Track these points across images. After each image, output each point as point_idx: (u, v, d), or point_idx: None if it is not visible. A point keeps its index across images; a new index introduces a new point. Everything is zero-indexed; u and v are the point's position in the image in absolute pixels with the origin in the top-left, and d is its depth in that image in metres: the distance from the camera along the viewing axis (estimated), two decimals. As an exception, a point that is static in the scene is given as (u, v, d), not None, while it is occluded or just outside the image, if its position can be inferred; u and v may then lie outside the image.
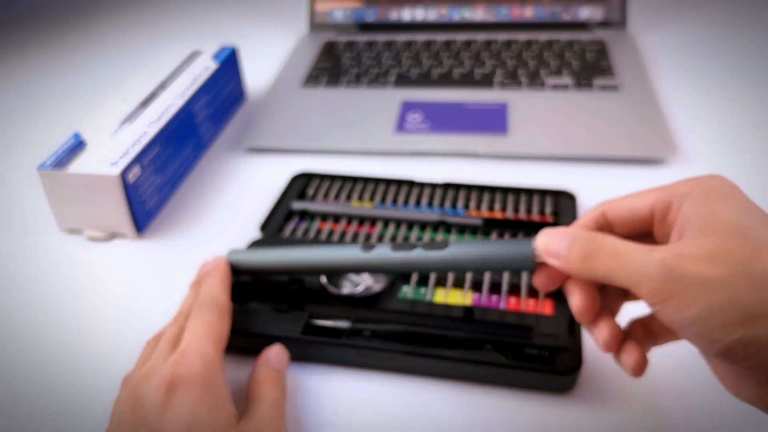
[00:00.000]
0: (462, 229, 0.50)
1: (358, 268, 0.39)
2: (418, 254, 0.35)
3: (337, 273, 0.39)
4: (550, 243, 0.30)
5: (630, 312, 0.34)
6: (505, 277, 0.44)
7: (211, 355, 0.35)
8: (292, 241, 0.43)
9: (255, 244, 0.48)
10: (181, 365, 0.33)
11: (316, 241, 0.49)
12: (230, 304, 0.40)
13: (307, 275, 0.42)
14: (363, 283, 0.45)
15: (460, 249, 0.34)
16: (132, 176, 0.51)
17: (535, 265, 0.32)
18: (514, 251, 0.32)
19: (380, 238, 0.50)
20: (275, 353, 0.39)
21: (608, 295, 0.33)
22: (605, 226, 0.32)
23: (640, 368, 0.30)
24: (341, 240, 0.50)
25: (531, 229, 0.49)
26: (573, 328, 0.40)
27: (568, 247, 0.29)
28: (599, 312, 0.31)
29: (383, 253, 0.37)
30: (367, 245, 0.37)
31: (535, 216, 0.50)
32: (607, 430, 0.37)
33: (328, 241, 0.50)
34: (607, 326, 0.30)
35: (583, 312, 0.30)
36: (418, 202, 0.53)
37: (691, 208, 0.28)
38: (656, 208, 0.30)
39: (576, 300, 0.31)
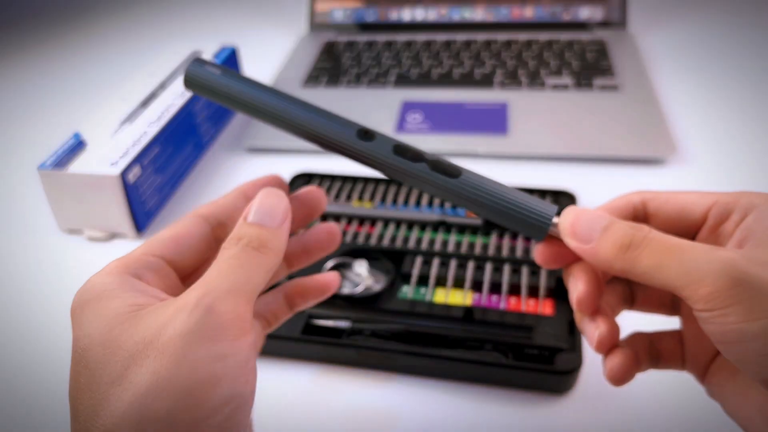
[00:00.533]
0: (462, 229, 0.50)
1: (347, 153, 0.31)
2: (419, 170, 0.29)
3: (321, 145, 0.31)
4: (578, 224, 0.26)
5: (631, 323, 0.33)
6: (505, 277, 0.44)
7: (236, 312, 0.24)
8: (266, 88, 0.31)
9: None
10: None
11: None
12: (284, 249, 0.27)
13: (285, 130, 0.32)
14: (363, 283, 0.45)
15: (469, 184, 0.29)
16: (132, 176, 0.51)
17: (544, 236, 0.28)
18: (529, 213, 0.28)
19: (380, 239, 0.50)
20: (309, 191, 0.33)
21: (609, 296, 0.30)
22: (642, 217, 0.29)
23: (624, 378, 0.28)
24: (342, 240, 0.50)
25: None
26: (573, 329, 0.40)
27: (602, 233, 0.25)
28: (598, 308, 0.28)
29: (381, 150, 0.29)
30: (367, 134, 0.30)
31: (535, 216, 0.50)
32: (606, 430, 0.37)
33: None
34: (605, 323, 0.28)
35: (586, 301, 0.27)
36: (418, 202, 0.53)
37: (759, 221, 0.25)
38: (713, 214, 0.27)
39: (581, 287, 0.27)
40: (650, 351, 0.30)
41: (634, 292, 0.31)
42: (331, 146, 0.30)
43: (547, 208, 0.28)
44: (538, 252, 0.29)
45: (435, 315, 0.43)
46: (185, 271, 0.29)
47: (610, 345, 0.28)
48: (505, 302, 0.43)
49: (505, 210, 0.28)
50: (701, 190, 0.28)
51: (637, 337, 0.30)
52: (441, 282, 0.45)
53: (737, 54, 0.76)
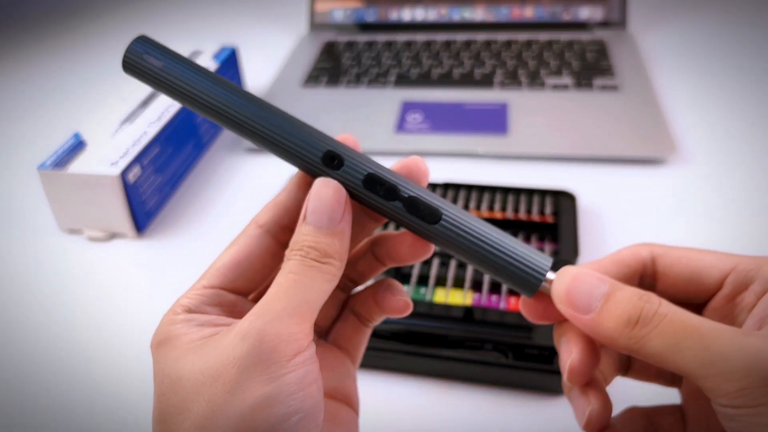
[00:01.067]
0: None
1: (311, 173, 0.26)
2: (392, 210, 0.25)
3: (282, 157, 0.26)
4: (575, 291, 0.23)
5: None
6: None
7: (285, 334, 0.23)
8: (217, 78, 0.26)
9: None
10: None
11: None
12: (347, 252, 0.25)
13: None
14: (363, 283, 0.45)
15: (451, 229, 0.25)
16: (132, 176, 0.51)
17: (534, 294, 0.25)
18: (519, 267, 0.24)
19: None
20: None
21: (602, 362, 0.26)
22: (650, 274, 0.25)
23: None
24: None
25: (531, 229, 0.49)
26: (573, 328, 0.40)
27: (603, 303, 0.22)
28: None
29: (350, 180, 0.25)
30: (334, 159, 0.25)
31: (535, 216, 0.50)
32: (607, 430, 0.37)
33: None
34: (598, 398, 0.24)
35: (580, 371, 0.24)
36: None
37: None
38: (731, 281, 0.24)
39: (575, 354, 0.24)
40: (647, 430, 0.26)
41: (630, 358, 0.28)
42: (294, 162, 0.26)
43: (539, 261, 0.24)
44: (526, 308, 0.26)
45: (435, 315, 0.43)
46: (254, 289, 0.28)
47: (602, 425, 0.24)
48: (505, 302, 0.43)
49: (490, 260, 0.24)
50: (719, 251, 0.25)
51: (634, 414, 0.27)
52: (441, 282, 0.45)
53: (737, 54, 0.76)
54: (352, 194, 0.25)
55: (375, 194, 0.25)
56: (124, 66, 0.25)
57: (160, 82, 0.25)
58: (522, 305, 0.26)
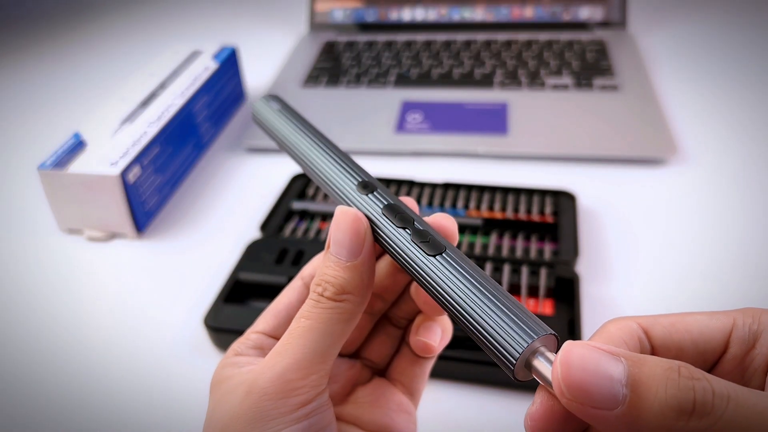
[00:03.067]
0: (462, 229, 0.50)
1: (341, 199, 0.28)
2: (399, 237, 0.25)
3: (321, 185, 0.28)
4: (584, 378, 0.17)
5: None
6: (505, 277, 0.44)
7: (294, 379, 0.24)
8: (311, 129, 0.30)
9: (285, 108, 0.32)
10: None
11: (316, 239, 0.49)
12: (368, 288, 0.25)
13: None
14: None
15: (445, 269, 0.23)
16: (132, 176, 0.52)
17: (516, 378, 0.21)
18: (502, 341, 0.21)
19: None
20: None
21: None
22: (648, 351, 0.21)
23: None
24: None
25: (531, 229, 0.49)
26: (573, 329, 0.40)
27: (630, 389, 0.17)
28: None
29: (371, 207, 0.26)
30: (367, 185, 0.26)
31: (535, 216, 0.50)
32: (606, 430, 0.37)
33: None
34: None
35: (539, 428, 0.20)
36: (418, 202, 0.53)
37: None
38: (735, 340, 0.21)
39: (536, 407, 0.20)
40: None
41: None
42: (331, 194, 0.28)
43: (516, 336, 0.20)
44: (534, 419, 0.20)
45: (435, 315, 0.42)
46: None
47: None
48: (505, 302, 0.43)
49: (469, 326, 0.22)
50: (705, 311, 0.22)
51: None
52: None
53: (737, 54, 0.76)
54: (377, 235, 0.26)
55: (390, 222, 0.25)
56: (254, 118, 0.31)
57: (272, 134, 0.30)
58: (531, 418, 0.20)
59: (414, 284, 0.29)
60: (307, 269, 0.30)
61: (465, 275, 0.23)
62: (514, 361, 0.20)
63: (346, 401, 0.29)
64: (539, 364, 0.20)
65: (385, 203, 0.26)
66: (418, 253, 0.24)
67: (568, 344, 0.18)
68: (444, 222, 0.26)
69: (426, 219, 0.26)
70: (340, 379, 0.29)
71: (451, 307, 0.22)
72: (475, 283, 0.22)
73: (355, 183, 0.27)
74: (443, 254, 0.23)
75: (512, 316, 0.21)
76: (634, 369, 0.17)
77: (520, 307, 0.21)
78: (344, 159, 0.28)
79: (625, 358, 0.17)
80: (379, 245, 0.26)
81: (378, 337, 0.31)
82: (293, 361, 0.23)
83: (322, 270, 0.25)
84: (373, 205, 0.26)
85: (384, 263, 0.29)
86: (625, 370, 0.17)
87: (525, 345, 0.20)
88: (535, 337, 0.20)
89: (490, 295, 0.22)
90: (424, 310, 0.29)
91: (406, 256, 0.24)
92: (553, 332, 0.20)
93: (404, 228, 0.25)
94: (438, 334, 0.29)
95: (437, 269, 0.23)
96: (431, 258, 0.23)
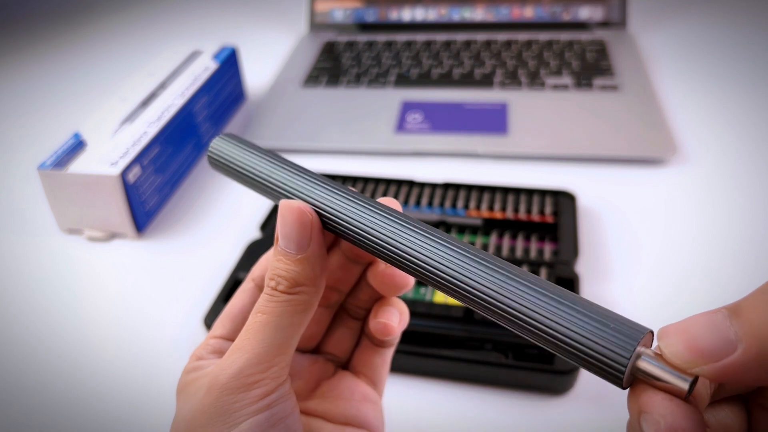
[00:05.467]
0: (462, 229, 0.50)
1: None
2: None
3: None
4: (695, 336, 0.17)
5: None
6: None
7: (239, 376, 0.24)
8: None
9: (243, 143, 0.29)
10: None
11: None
12: (321, 278, 0.25)
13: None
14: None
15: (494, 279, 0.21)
16: (132, 176, 0.51)
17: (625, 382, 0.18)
18: (599, 349, 0.18)
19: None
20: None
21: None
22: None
23: None
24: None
25: (531, 229, 0.49)
26: (573, 328, 0.40)
27: (740, 327, 0.16)
28: None
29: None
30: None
31: (535, 216, 0.50)
32: (605, 430, 0.37)
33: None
34: None
35: None
36: (418, 202, 0.53)
37: None
38: None
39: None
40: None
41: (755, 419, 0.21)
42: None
43: (621, 342, 0.18)
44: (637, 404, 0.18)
45: (435, 315, 0.43)
46: None
47: None
48: (505, 302, 0.43)
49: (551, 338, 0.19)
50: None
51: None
52: (441, 282, 0.45)
53: (738, 54, 0.76)
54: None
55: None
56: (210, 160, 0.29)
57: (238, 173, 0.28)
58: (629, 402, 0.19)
59: (373, 268, 0.28)
60: (257, 269, 0.30)
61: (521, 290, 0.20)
62: (624, 370, 0.18)
63: (311, 396, 0.29)
64: (647, 365, 0.18)
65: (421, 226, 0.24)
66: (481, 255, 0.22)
67: (661, 330, 0.18)
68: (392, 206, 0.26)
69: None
70: (304, 375, 0.30)
71: (511, 314, 0.20)
72: (541, 289, 0.20)
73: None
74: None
75: (600, 319, 0.19)
76: (735, 310, 0.17)
77: (595, 306, 0.19)
78: (322, 179, 0.26)
79: (724, 308, 0.17)
80: (344, 234, 0.25)
81: (338, 331, 0.31)
82: (252, 355, 0.24)
83: (274, 264, 0.25)
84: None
85: (336, 255, 0.29)
86: (725, 315, 0.17)
87: (631, 351, 0.18)
88: (640, 339, 0.18)
89: (566, 301, 0.19)
90: (382, 290, 0.28)
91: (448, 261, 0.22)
92: (650, 329, 0.19)
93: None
94: (396, 316, 0.29)
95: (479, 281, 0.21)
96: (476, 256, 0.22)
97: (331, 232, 0.25)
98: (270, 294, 0.24)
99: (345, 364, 0.31)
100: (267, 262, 0.29)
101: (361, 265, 0.29)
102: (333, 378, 0.30)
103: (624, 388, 0.19)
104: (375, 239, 0.24)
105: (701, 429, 0.17)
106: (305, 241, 0.24)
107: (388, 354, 0.31)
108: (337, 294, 0.30)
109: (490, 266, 0.21)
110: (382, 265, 0.28)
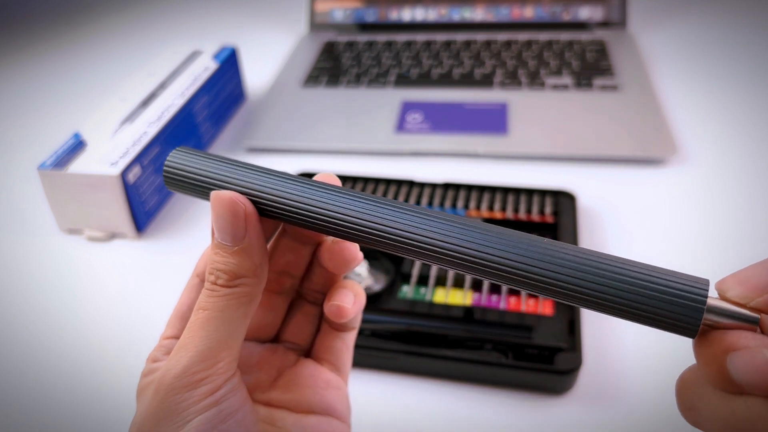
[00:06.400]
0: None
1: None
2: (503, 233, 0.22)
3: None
4: (752, 275, 0.19)
5: None
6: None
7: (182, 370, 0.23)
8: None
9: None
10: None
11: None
12: (262, 267, 0.25)
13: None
14: (363, 283, 0.45)
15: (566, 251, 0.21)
16: (132, 176, 0.51)
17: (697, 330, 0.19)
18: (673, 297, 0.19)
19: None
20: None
21: None
22: None
23: None
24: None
25: (531, 229, 0.49)
26: (573, 328, 0.40)
27: None
28: None
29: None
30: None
31: (535, 216, 0.50)
32: (605, 430, 0.37)
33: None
34: None
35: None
36: (418, 202, 0.53)
37: None
38: None
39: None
40: None
41: None
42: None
43: (691, 287, 0.20)
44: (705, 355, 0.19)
45: (435, 315, 0.43)
46: None
47: None
48: (505, 302, 0.43)
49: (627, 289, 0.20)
50: None
51: None
52: (441, 282, 0.45)
53: (738, 53, 0.76)
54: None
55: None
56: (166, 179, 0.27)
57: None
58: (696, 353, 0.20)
59: (321, 246, 0.27)
60: (200, 265, 0.29)
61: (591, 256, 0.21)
62: (700, 318, 0.19)
63: (273, 387, 0.29)
64: (717, 306, 0.19)
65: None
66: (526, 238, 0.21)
67: (720, 281, 0.20)
68: (330, 181, 0.25)
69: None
70: (264, 366, 0.29)
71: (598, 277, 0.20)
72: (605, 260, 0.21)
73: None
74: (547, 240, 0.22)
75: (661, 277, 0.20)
76: None
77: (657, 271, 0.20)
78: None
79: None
80: (283, 216, 0.24)
81: (295, 318, 0.30)
82: (196, 353, 0.23)
83: (212, 259, 0.24)
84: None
85: (284, 238, 0.28)
86: None
87: (705, 290, 0.19)
88: (707, 288, 0.19)
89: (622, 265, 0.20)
90: (333, 267, 0.28)
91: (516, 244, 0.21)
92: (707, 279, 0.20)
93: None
94: (350, 298, 0.28)
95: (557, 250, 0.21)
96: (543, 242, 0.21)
97: (269, 217, 0.24)
98: (210, 289, 0.24)
99: (307, 352, 0.30)
100: (208, 254, 0.28)
101: (310, 246, 0.28)
102: (294, 366, 0.29)
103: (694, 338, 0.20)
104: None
105: None
106: (240, 231, 0.24)
107: (350, 338, 0.30)
108: (289, 279, 0.29)
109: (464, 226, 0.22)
110: (329, 241, 0.27)
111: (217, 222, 0.24)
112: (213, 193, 0.24)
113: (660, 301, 0.19)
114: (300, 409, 0.28)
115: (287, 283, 0.29)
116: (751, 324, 0.19)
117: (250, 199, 0.24)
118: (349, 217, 0.23)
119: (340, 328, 0.30)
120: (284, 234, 0.28)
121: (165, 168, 0.26)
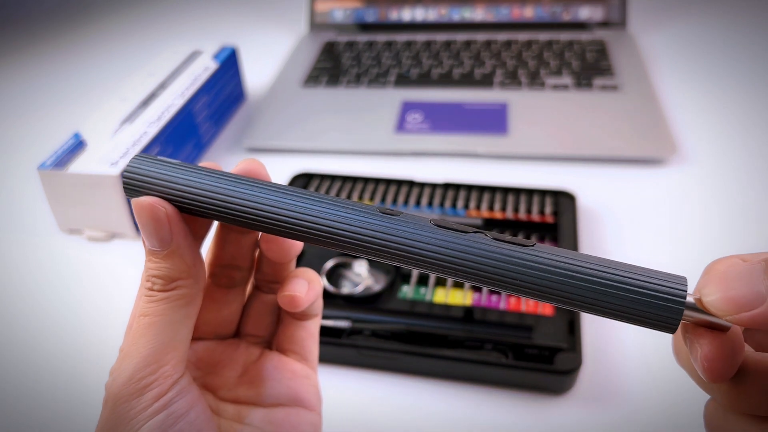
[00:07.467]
0: (462, 229, 0.50)
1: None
2: (474, 244, 0.21)
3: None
4: (733, 287, 0.19)
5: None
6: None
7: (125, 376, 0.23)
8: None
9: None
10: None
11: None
12: (196, 267, 0.25)
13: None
14: (363, 283, 0.45)
15: (547, 255, 0.21)
16: (132, 176, 0.51)
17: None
18: (651, 294, 0.20)
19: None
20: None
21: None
22: None
23: None
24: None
25: (531, 229, 0.49)
26: (573, 328, 0.40)
27: None
28: None
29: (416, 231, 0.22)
30: (386, 211, 0.23)
31: (535, 216, 0.50)
32: (605, 430, 0.37)
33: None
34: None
35: (718, 368, 0.20)
36: (418, 202, 0.53)
37: None
38: None
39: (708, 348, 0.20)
40: None
41: None
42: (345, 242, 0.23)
43: (672, 284, 0.20)
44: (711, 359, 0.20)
45: (435, 315, 0.43)
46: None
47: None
48: (505, 302, 0.43)
49: (611, 291, 0.20)
50: None
51: None
52: (441, 282, 0.45)
53: (738, 54, 0.76)
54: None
55: (449, 230, 0.22)
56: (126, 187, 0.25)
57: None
58: (702, 362, 0.20)
59: (262, 236, 0.27)
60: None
61: (573, 256, 0.21)
62: (678, 321, 0.20)
63: (240, 383, 0.28)
64: (691, 314, 0.20)
65: (428, 220, 0.22)
66: (509, 250, 0.21)
67: (708, 265, 0.20)
68: (252, 166, 0.25)
69: (233, 170, 0.25)
70: (227, 363, 0.29)
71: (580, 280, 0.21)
72: (585, 259, 0.21)
73: (374, 209, 0.23)
74: (535, 246, 0.21)
75: (644, 281, 0.21)
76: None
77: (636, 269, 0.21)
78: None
79: (754, 260, 0.19)
80: (208, 214, 0.23)
81: (253, 310, 0.30)
82: (140, 359, 0.23)
83: (146, 265, 0.24)
84: (417, 228, 0.22)
85: (223, 231, 0.28)
86: (762, 266, 0.19)
87: (683, 296, 0.20)
88: (685, 284, 0.20)
89: (603, 263, 0.21)
90: (275, 256, 0.27)
91: (495, 256, 0.21)
92: (685, 276, 0.21)
93: (470, 233, 0.22)
94: (303, 286, 0.27)
95: (541, 255, 0.21)
96: (527, 250, 0.21)
97: (196, 215, 0.24)
98: (148, 295, 0.24)
99: (271, 344, 0.30)
100: None
101: (251, 236, 0.28)
102: (259, 360, 0.29)
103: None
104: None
105: (735, 356, 0.19)
106: (166, 234, 0.24)
107: (313, 325, 0.30)
108: (238, 272, 0.28)
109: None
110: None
111: (143, 228, 0.24)
112: (133, 201, 0.24)
113: (636, 300, 0.20)
114: (267, 403, 0.28)
115: (237, 276, 0.29)
116: (722, 328, 0.20)
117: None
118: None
119: (300, 317, 0.29)
120: (223, 227, 0.28)
121: (124, 178, 0.25)
